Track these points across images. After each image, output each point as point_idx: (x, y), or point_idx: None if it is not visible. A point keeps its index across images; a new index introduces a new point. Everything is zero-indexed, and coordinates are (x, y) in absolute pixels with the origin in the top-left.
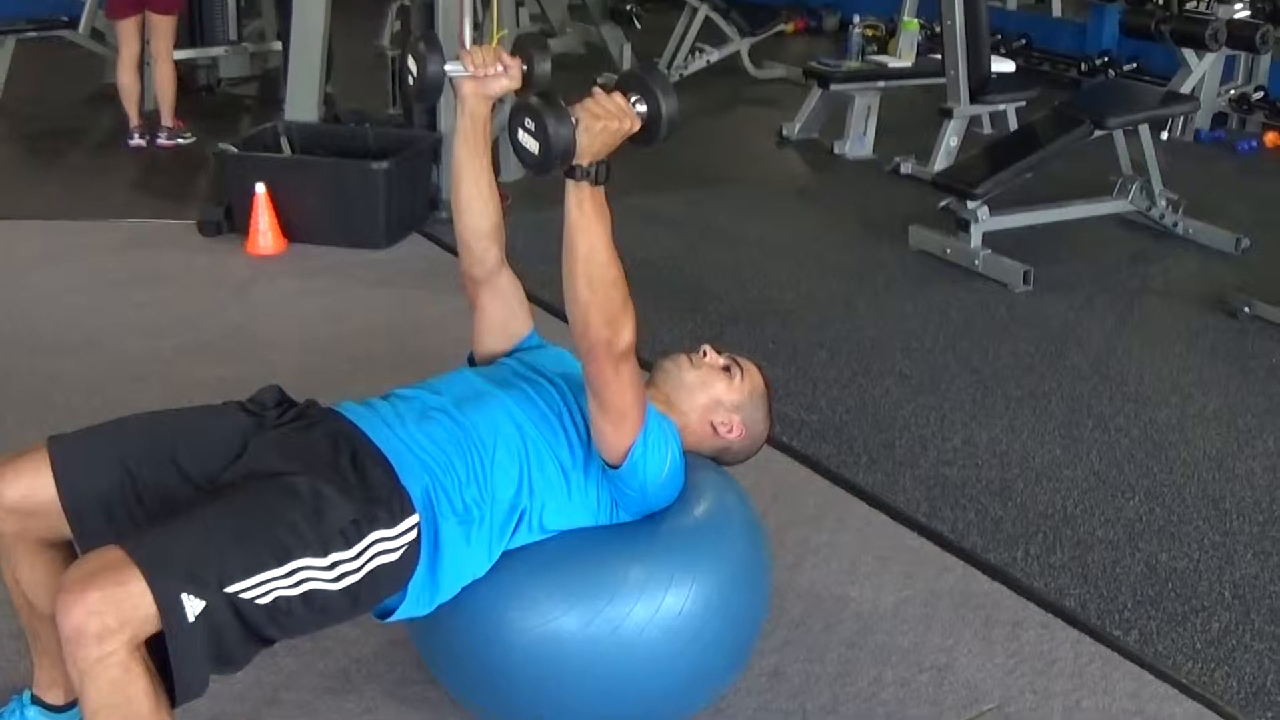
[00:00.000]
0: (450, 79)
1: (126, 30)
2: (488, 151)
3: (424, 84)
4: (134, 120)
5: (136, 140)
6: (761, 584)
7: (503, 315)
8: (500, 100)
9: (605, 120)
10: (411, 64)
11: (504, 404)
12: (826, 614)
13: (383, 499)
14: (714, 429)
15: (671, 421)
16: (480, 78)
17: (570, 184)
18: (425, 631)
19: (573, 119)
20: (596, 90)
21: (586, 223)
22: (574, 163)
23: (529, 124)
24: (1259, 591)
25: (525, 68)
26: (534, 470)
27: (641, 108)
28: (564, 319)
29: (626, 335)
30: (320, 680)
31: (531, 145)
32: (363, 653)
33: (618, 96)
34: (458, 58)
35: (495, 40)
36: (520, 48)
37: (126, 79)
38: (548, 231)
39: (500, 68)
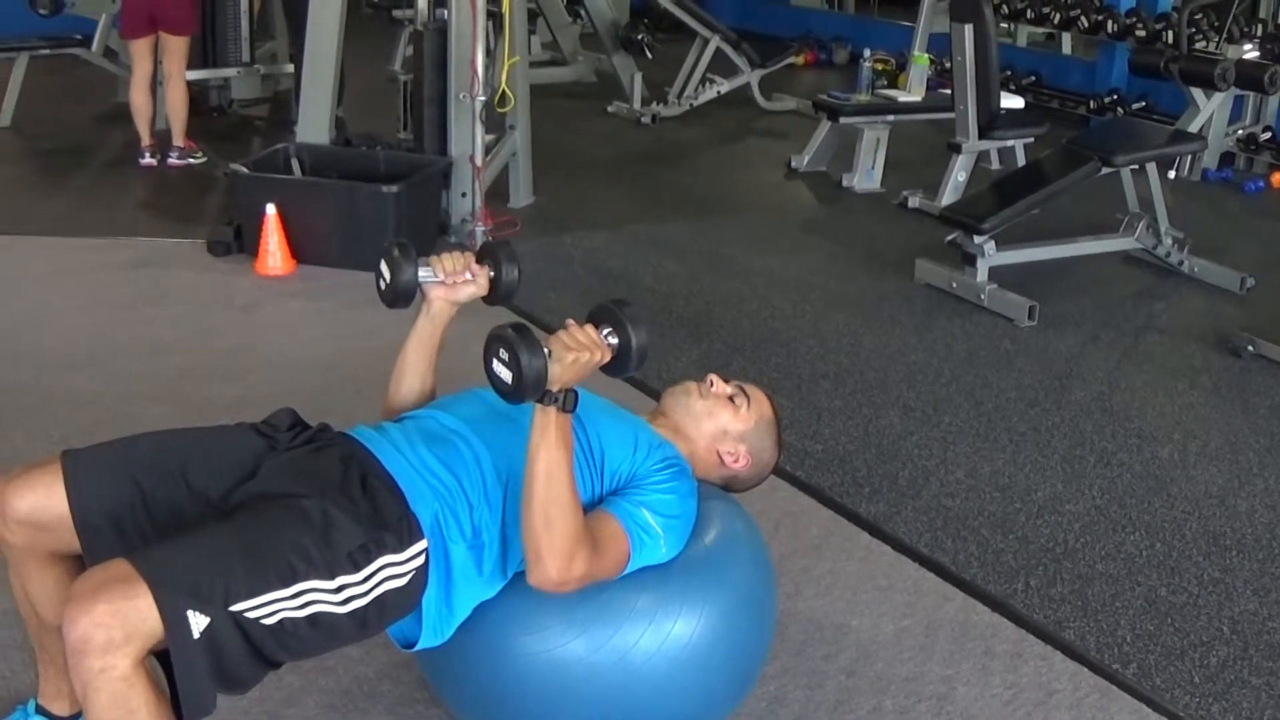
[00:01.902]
0: (420, 284)
1: (140, 50)
2: (438, 350)
3: (396, 291)
4: (145, 139)
5: (147, 159)
6: (767, 613)
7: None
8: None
9: (577, 352)
10: (385, 269)
11: (519, 427)
12: (827, 642)
13: (391, 524)
14: (720, 458)
15: (676, 452)
16: (449, 285)
17: (537, 409)
18: (431, 653)
19: (545, 350)
20: (570, 323)
21: (548, 447)
22: (545, 390)
23: (503, 354)
24: (1257, 627)
25: (493, 275)
26: None
27: (613, 340)
28: None
29: (578, 564)
30: (323, 698)
31: (505, 375)
32: (366, 672)
33: (589, 329)
34: (429, 264)
35: (507, 67)
36: (488, 254)
37: (139, 98)
38: (557, 257)
39: (469, 275)
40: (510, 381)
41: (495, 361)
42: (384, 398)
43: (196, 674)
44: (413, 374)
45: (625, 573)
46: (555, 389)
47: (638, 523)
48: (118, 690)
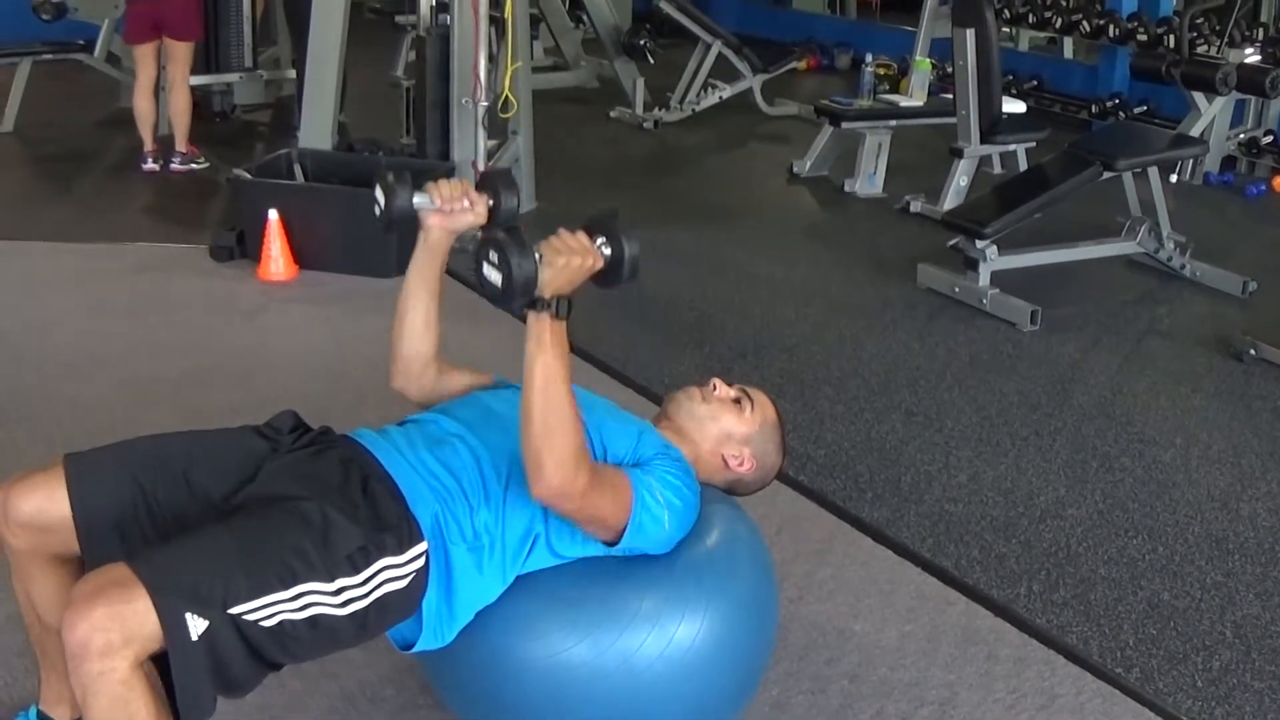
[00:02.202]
0: (417, 211)
1: (144, 55)
2: (440, 283)
3: (391, 215)
4: (148, 145)
5: (150, 165)
6: (769, 618)
7: (462, 391)
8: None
9: (568, 256)
10: (379, 194)
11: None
12: (830, 647)
13: (391, 526)
14: (725, 462)
15: (679, 455)
16: (447, 212)
17: (531, 317)
18: (435, 657)
19: (536, 254)
20: (561, 230)
21: (545, 356)
22: (535, 295)
23: (493, 257)
24: (1260, 631)
25: (491, 203)
26: None
27: (606, 250)
28: (585, 358)
29: (581, 478)
30: (326, 702)
31: (495, 278)
32: (369, 676)
33: (582, 235)
34: (426, 191)
35: (509, 73)
36: (487, 183)
37: (142, 103)
38: None
39: (467, 203)
40: (499, 284)
41: (485, 264)
42: (390, 345)
43: (195, 677)
44: (415, 309)
45: (626, 541)
46: (548, 295)
47: (643, 483)
48: (117, 694)
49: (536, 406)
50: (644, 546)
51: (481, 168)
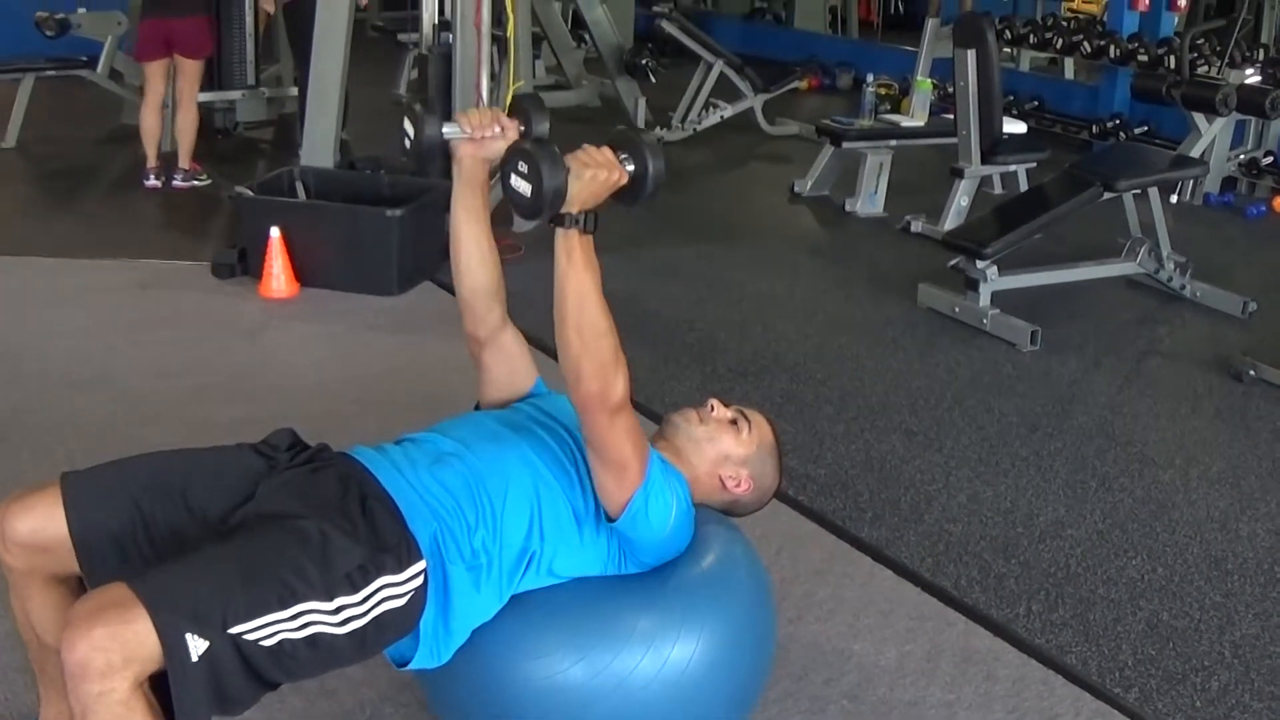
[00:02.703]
0: (448, 141)
1: (154, 72)
2: (487, 212)
3: (421, 146)
4: (151, 160)
5: (152, 181)
6: (767, 638)
7: (507, 373)
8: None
9: (594, 169)
10: (408, 126)
11: (518, 448)
12: (829, 667)
13: (390, 544)
14: (722, 483)
15: (679, 472)
16: (478, 140)
17: (560, 233)
18: (432, 676)
19: (564, 166)
20: (586, 145)
21: (576, 271)
22: (563, 209)
23: (522, 168)
24: (1259, 652)
25: (522, 129)
26: (545, 515)
27: (630, 166)
28: None
29: (619, 386)
30: None
31: (524, 189)
32: (368, 695)
33: (607, 150)
34: (455, 120)
35: (511, 92)
36: (517, 108)
37: (150, 120)
38: None
39: (498, 129)
40: (529, 195)
41: (514, 175)
42: (455, 288)
43: (195, 697)
44: (466, 242)
45: (631, 513)
46: (575, 209)
47: (656, 465)
48: (117, 714)
49: (571, 320)
50: (644, 536)
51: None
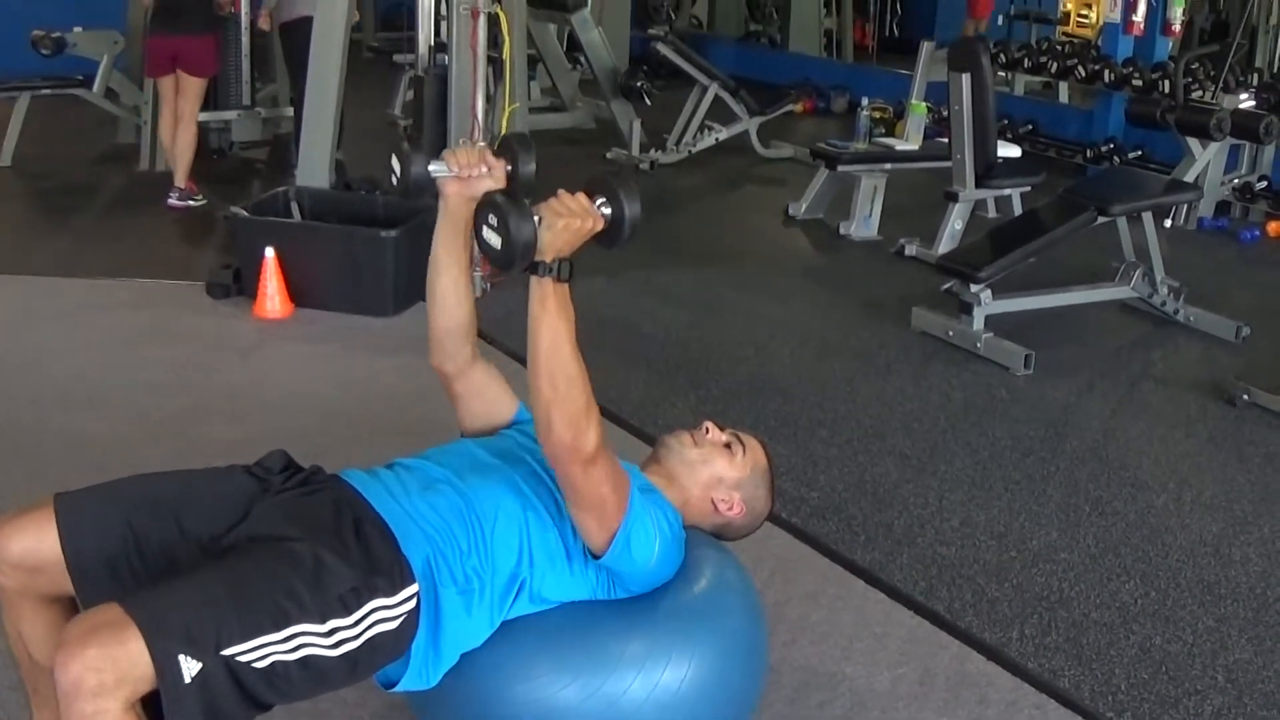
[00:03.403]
0: (435, 178)
1: (165, 88)
2: (468, 252)
3: (408, 183)
4: (178, 180)
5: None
6: (759, 661)
7: (481, 406)
8: None
9: (567, 218)
10: (395, 163)
11: (508, 476)
12: (821, 690)
13: (383, 568)
14: (714, 506)
15: (663, 498)
16: (464, 178)
17: (533, 280)
18: (423, 699)
19: (535, 216)
20: (561, 191)
21: (549, 318)
22: (536, 259)
23: (492, 220)
24: (1252, 676)
25: (509, 168)
26: (535, 542)
27: (606, 210)
28: None
29: (592, 437)
30: None
31: (495, 241)
32: (360, 715)
33: (582, 196)
34: (442, 158)
35: (507, 113)
36: (505, 148)
37: (167, 137)
38: None
39: (484, 169)
40: (499, 248)
41: (484, 228)
42: (427, 322)
43: (187, 717)
44: (444, 280)
45: (614, 552)
46: (549, 258)
47: (638, 498)
48: None
49: (544, 369)
50: (630, 569)
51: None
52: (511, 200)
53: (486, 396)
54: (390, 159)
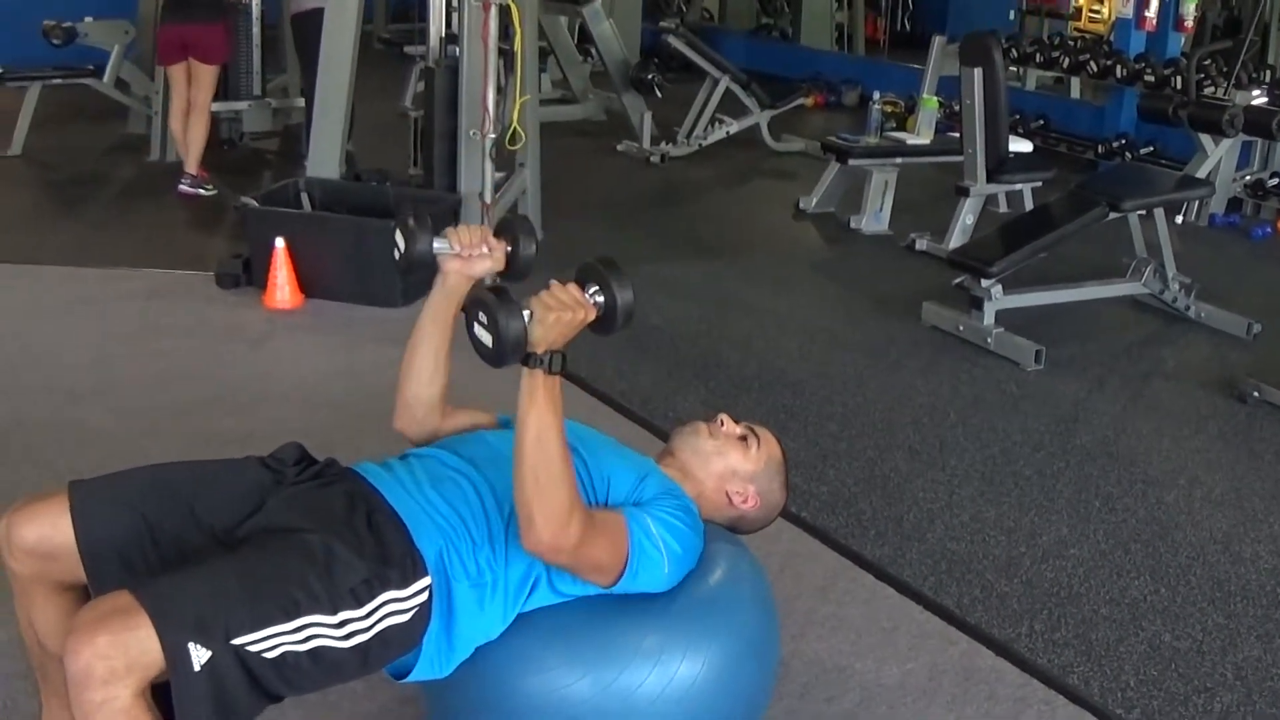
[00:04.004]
0: (436, 255)
1: (177, 75)
2: (453, 327)
3: (410, 260)
4: (190, 167)
5: (187, 187)
6: (771, 655)
7: (464, 430)
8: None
9: (558, 312)
10: (399, 239)
11: None
12: (830, 685)
13: (395, 560)
14: (729, 498)
15: (678, 499)
16: (465, 258)
17: (525, 372)
18: (436, 691)
19: (526, 311)
20: (553, 283)
21: (537, 410)
22: (529, 350)
23: (483, 318)
24: (1261, 674)
25: (509, 249)
26: None
27: (599, 298)
28: (589, 392)
29: (572, 533)
30: None
31: (486, 338)
32: (369, 709)
33: (573, 288)
34: (445, 236)
35: (518, 105)
36: (506, 229)
37: (178, 126)
38: None
39: (485, 249)
40: (491, 344)
41: (475, 325)
42: (397, 386)
43: (197, 707)
44: (425, 351)
45: (623, 585)
46: (540, 350)
47: (640, 526)
48: None
49: (528, 461)
50: (642, 588)
51: (489, 200)
52: (500, 298)
53: (461, 428)
54: (394, 234)
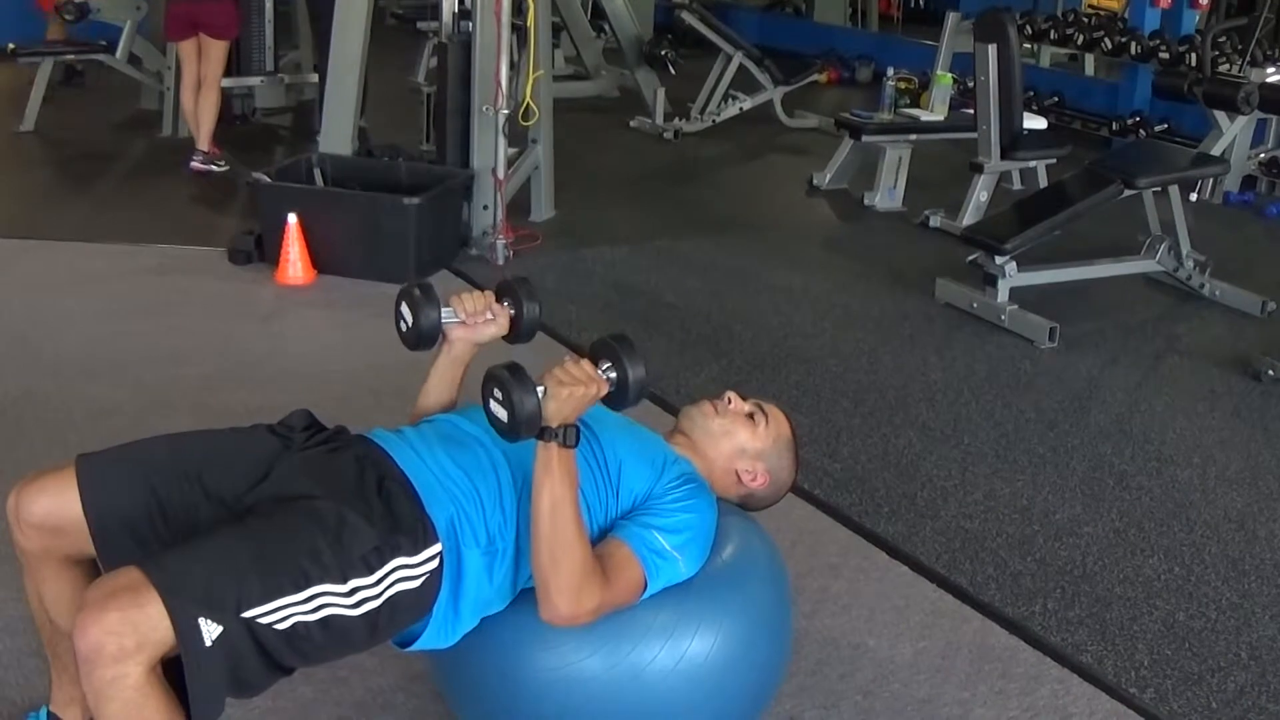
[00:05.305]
0: (442, 324)
1: (187, 51)
2: (457, 388)
3: (419, 333)
4: (200, 143)
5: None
6: (784, 632)
7: None
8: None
9: (571, 387)
10: (406, 311)
11: None
12: (843, 662)
13: (406, 526)
14: (738, 476)
15: (693, 484)
16: (470, 325)
17: (540, 445)
18: (446, 666)
19: (540, 388)
20: (567, 359)
21: (552, 482)
22: (543, 424)
23: (497, 394)
24: (1276, 653)
25: (513, 313)
26: None
27: (612, 374)
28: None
29: (588, 601)
30: (337, 710)
31: (501, 414)
32: (381, 684)
33: (586, 364)
34: (450, 305)
35: (531, 81)
36: (508, 293)
37: (188, 101)
38: (577, 271)
39: (490, 315)
40: (506, 420)
41: (491, 401)
42: (410, 416)
43: (209, 681)
44: (435, 404)
45: (648, 595)
46: (554, 424)
47: (651, 548)
48: (130, 699)
49: (544, 533)
50: (665, 586)
51: (501, 176)
52: (515, 375)
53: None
54: (400, 305)
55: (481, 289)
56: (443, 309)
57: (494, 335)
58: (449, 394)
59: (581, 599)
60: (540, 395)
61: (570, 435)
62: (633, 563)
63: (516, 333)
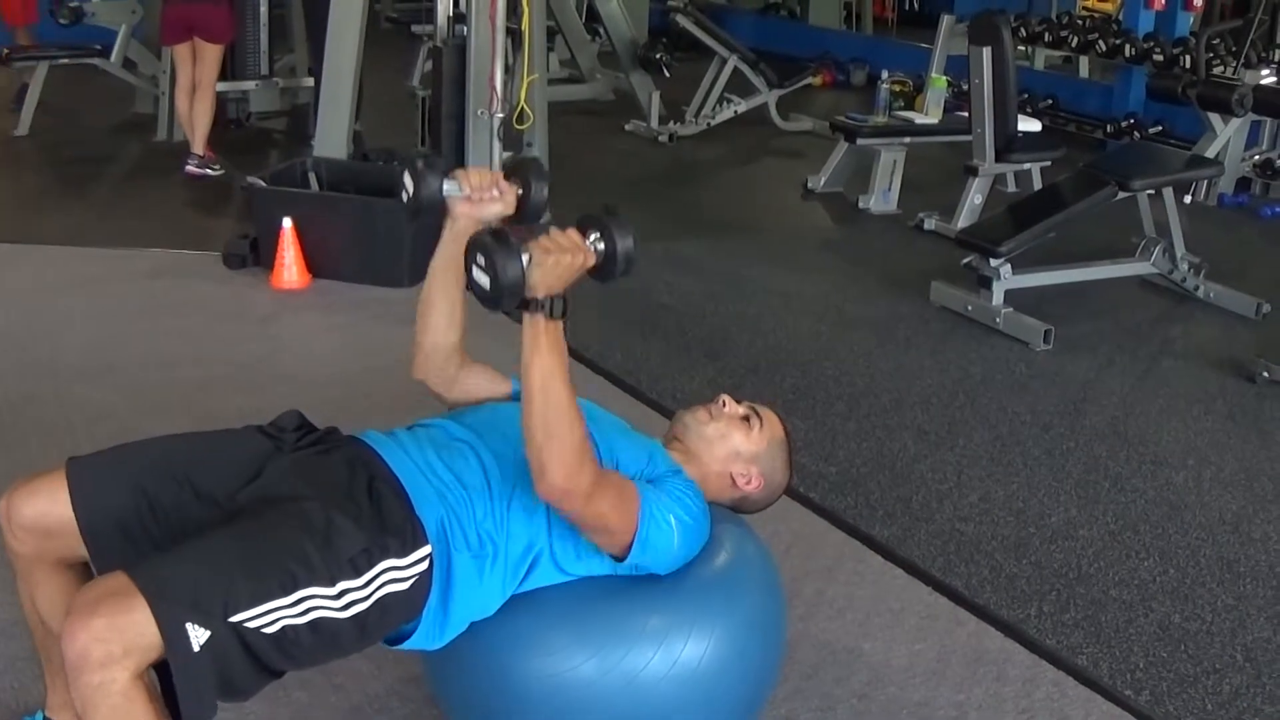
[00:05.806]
0: (445, 198)
1: (181, 56)
2: (462, 301)
3: (419, 202)
4: (195, 147)
5: (192, 168)
6: (777, 636)
7: (481, 395)
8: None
9: (557, 255)
10: (407, 180)
11: None
12: (839, 665)
13: (395, 528)
14: (733, 480)
15: (684, 479)
16: (475, 201)
17: (525, 318)
18: (440, 671)
19: (525, 254)
20: (553, 228)
21: (541, 356)
22: (528, 296)
23: (480, 260)
24: (1271, 655)
25: (521, 193)
26: (556, 513)
27: (600, 245)
28: (597, 371)
29: (585, 477)
30: (331, 715)
31: (483, 280)
32: (375, 689)
33: (573, 232)
34: (455, 178)
35: (525, 84)
36: (518, 172)
37: (183, 106)
38: None
39: (496, 192)
40: (488, 287)
41: (474, 268)
42: (414, 338)
43: (198, 687)
44: (440, 299)
45: (633, 555)
46: (540, 294)
47: (653, 498)
48: (116, 705)
49: (537, 408)
50: (652, 564)
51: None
52: (498, 238)
53: (479, 396)
54: (403, 174)
55: None
56: (447, 182)
57: (499, 214)
58: (453, 285)
59: (579, 472)
60: (525, 262)
61: (557, 306)
62: (634, 491)
63: (523, 213)
